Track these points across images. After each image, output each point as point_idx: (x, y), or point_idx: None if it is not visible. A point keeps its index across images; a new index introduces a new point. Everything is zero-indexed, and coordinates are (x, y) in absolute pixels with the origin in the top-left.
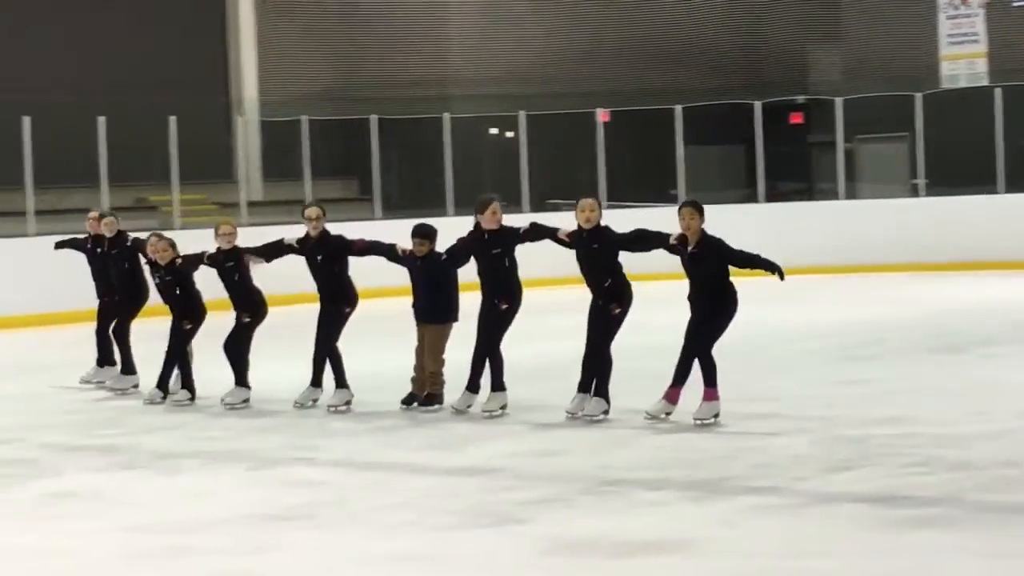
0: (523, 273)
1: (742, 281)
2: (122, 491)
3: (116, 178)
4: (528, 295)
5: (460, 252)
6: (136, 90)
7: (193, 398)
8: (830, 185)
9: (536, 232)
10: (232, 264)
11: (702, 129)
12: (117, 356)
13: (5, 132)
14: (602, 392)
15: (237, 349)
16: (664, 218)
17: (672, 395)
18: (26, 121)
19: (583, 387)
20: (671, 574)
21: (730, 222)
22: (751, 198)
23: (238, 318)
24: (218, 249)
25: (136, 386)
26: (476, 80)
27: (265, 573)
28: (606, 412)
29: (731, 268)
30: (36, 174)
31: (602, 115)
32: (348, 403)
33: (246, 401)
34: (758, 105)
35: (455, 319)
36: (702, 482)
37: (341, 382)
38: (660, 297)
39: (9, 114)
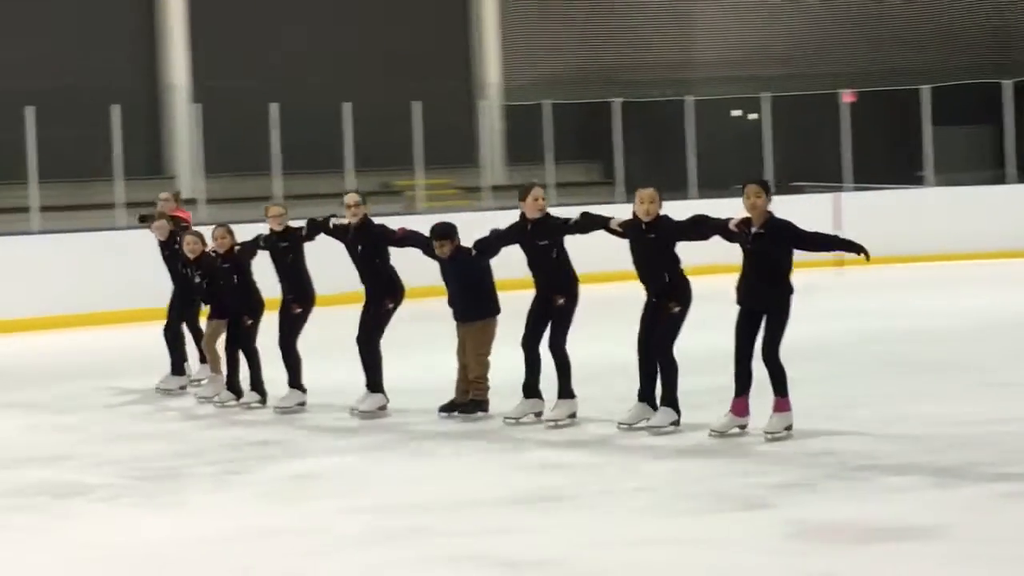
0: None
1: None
2: (368, 472)
3: (361, 163)
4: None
5: (491, 244)
6: (380, 76)
7: (264, 400)
8: None
9: (587, 223)
10: (286, 245)
11: (950, 109)
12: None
13: (254, 119)
14: (671, 400)
15: (293, 347)
16: (912, 200)
17: (738, 407)
18: (274, 108)
19: (644, 395)
20: (918, 561)
21: (979, 203)
22: (1000, 179)
23: (286, 310)
24: (271, 231)
25: (184, 387)
26: (719, 62)
27: (508, 556)
28: (675, 423)
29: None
30: (284, 160)
31: (847, 96)
32: (383, 407)
33: (302, 404)
34: (1008, 84)
35: (495, 312)
36: (948, 468)
37: (375, 386)
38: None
39: (258, 101)
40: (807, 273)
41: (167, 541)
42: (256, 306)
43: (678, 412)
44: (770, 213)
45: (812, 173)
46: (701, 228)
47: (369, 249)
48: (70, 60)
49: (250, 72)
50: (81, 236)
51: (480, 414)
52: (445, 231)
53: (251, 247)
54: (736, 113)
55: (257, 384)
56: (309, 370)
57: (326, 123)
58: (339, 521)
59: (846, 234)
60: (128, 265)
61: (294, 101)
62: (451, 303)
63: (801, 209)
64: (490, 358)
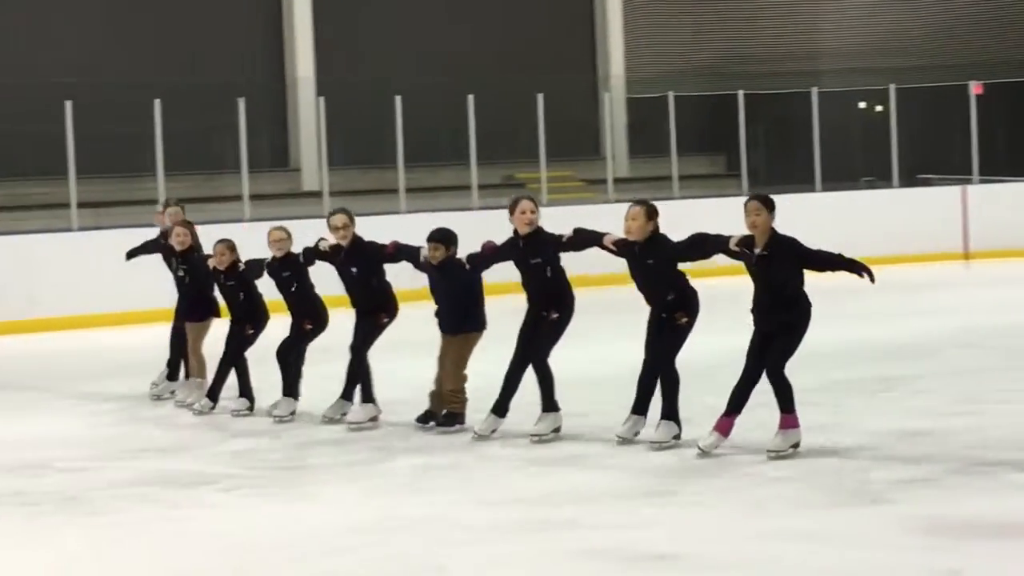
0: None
1: None
2: (477, 467)
3: (484, 156)
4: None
5: (483, 259)
6: (504, 68)
7: (252, 407)
8: None
9: (580, 240)
10: (288, 275)
11: None
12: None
13: (378, 112)
14: (671, 414)
15: (292, 356)
16: None
17: (723, 425)
18: (398, 101)
19: (638, 408)
20: None
21: None
22: None
23: (298, 326)
24: (273, 258)
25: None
26: (845, 53)
27: (629, 550)
28: (677, 437)
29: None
30: (407, 152)
31: (976, 87)
32: (374, 419)
33: (293, 413)
34: None
35: (481, 328)
36: None
37: (367, 396)
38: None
39: (382, 94)
40: (931, 266)
41: (308, 532)
42: (261, 319)
43: (679, 426)
44: (773, 231)
45: (939, 165)
46: (701, 248)
47: (364, 270)
48: (197, 54)
49: (375, 65)
50: (207, 228)
51: (457, 427)
52: (443, 236)
53: (256, 270)
54: (863, 105)
55: (246, 391)
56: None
57: (450, 115)
58: (465, 513)
59: (972, 226)
60: (252, 256)
61: (418, 93)
62: (437, 313)
63: (928, 201)
64: (467, 371)
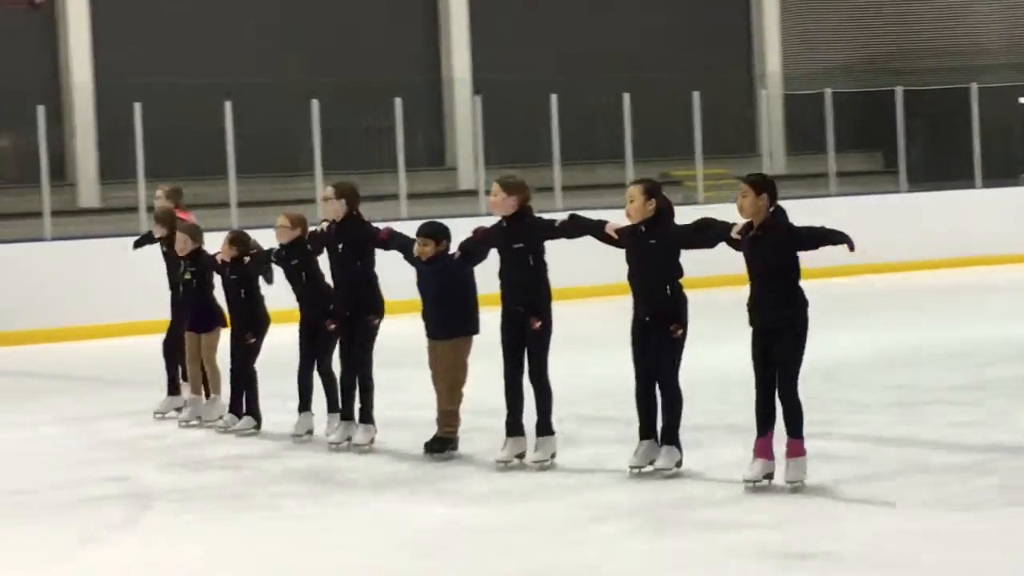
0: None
1: None
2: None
3: (640, 154)
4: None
5: (475, 245)
6: (660, 66)
7: (259, 426)
8: None
9: (575, 226)
10: (297, 263)
11: None
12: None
13: (534, 110)
14: (673, 438)
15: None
16: None
17: (761, 448)
18: (554, 99)
19: (647, 432)
20: None
21: None
22: None
23: (319, 328)
24: (280, 246)
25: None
26: (1004, 48)
27: (785, 548)
28: (679, 464)
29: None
30: (564, 151)
31: None
32: (372, 441)
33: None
34: None
35: (472, 331)
36: None
37: (367, 416)
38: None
39: (538, 92)
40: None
41: (475, 527)
42: (261, 323)
43: (680, 451)
44: (769, 213)
45: None
46: (705, 233)
47: (351, 249)
48: (354, 54)
49: (530, 64)
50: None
51: (447, 453)
52: (434, 230)
53: (265, 259)
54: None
55: (253, 408)
56: None
57: (606, 114)
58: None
59: None
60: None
61: (573, 92)
62: (424, 316)
63: None
64: (464, 389)
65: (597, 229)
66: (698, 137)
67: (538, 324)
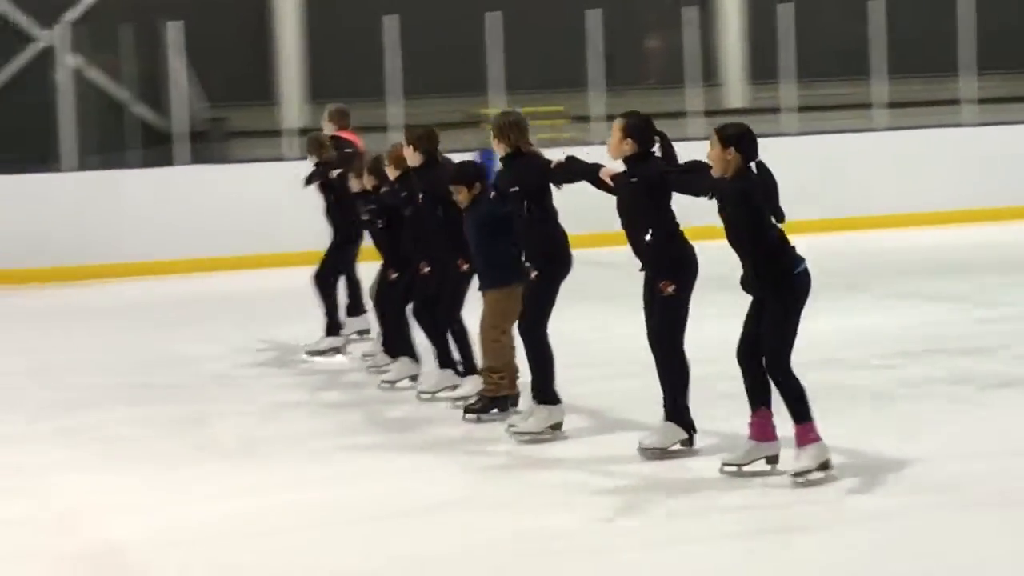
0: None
1: None
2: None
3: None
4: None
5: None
6: None
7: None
8: None
9: (570, 169)
10: (406, 195)
11: None
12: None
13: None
14: (673, 414)
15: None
16: None
17: (758, 428)
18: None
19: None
20: None
21: None
22: None
23: (446, 268)
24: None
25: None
26: None
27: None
28: (684, 442)
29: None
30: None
31: None
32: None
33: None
34: None
35: (512, 280)
36: None
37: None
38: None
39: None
40: None
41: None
42: (403, 258)
43: (687, 429)
44: (744, 167)
45: None
46: (697, 176)
47: (430, 199)
48: None
49: None
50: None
51: (494, 412)
52: (464, 173)
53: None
54: None
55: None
56: None
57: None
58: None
59: None
60: None
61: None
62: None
63: None
64: (510, 342)
65: (592, 174)
66: None
67: (533, 274)
